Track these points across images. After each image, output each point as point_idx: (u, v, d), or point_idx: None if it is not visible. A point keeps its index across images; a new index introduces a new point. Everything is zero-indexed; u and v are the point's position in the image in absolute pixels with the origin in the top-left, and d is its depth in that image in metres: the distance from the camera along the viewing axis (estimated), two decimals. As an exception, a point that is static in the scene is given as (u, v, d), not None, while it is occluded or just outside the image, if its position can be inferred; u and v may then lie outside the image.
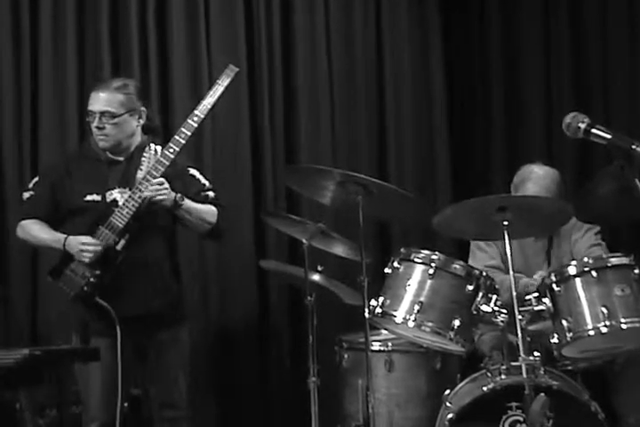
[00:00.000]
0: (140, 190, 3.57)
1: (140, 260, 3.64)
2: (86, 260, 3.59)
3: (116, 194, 3.68)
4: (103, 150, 3.74)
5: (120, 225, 3.58)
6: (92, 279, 3.58)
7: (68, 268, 3.63)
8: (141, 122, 3.77)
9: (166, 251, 3.80)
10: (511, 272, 3.54)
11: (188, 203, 3.65)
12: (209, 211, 3.75)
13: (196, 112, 3.66)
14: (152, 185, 3.56)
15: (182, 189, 3.71)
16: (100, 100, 3.68)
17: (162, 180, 3.58)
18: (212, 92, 3.68)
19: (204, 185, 3.82)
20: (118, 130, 3.70)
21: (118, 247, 3.58)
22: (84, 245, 3.59)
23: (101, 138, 3.70)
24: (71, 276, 3.62)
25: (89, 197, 3.69)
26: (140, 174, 3.59)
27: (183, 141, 3.63)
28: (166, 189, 3.58)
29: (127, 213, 3.57)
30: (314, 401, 3.94)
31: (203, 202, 3.75)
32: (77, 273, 3.61)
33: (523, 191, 4.15)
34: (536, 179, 4.16)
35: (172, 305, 3.79)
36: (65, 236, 3.66)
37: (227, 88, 3.71)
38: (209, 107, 3.67)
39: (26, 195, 3.82)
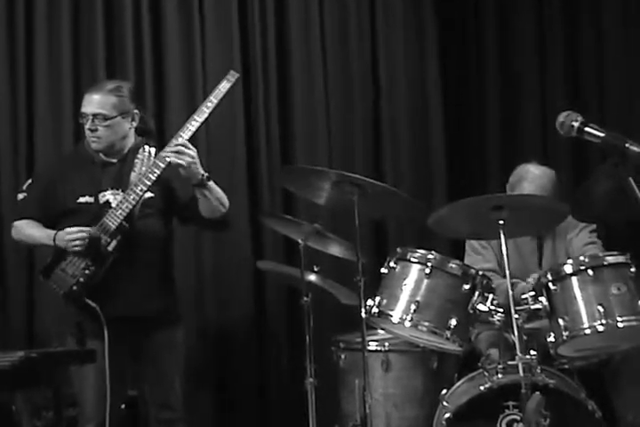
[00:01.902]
0: (135, 192, 3.57)
1: (134, 261, 3.63)
2: (77, 248, 3.58)
3: (108, 195, 3.68)
4: (96, 152, 3.74)
5: (112, 226, 3.57)
6: (81, 279, 3.58)
7: (58, 267, 3.63)
8: (134, 124, 3.77)
9: (160, 252, 3.79)
10: (507, 271, 3.53)
11: (212, 184, 3.65)
12: (224, 194, 3.75)
13: (194, 116, 3.65)
14: (175, 148, 3.54)
15: (182, 187, 3.71)
16: (93, 103, 3.68)
17: (187, 144, 3.56)
18: (212, 97, 3.67)
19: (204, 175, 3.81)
20: (111, 132, 3.69)
21: (109, 248, 3.58)
22: (70, 235, 3.59)
23: (94, 140, 3.70)
24: (61, 275, 3.62)
25: (82, 199, 3.69)
26: (133, 176, 3.59)
27: None
28: (190, 155, 3.54)
29: (120, 214, 3.57)
30: (311, 401, 3.95)
31: None
32: (67, 273, 3.61)
33: (519, 191, 4.16)
34: (532, 178, 4.16)
35: (167, 306, 3.78)
36: (55, 231, 3.66)
37: (227, 93, 3.71)
38: (208, 112, 3.66)
39: (20, 196, 3.83)
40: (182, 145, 3.56)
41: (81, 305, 3.56)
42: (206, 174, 3.62)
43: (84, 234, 3.57)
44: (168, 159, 3.56)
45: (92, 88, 3.75)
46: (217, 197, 3.70)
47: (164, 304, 3.77)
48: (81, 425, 3.72)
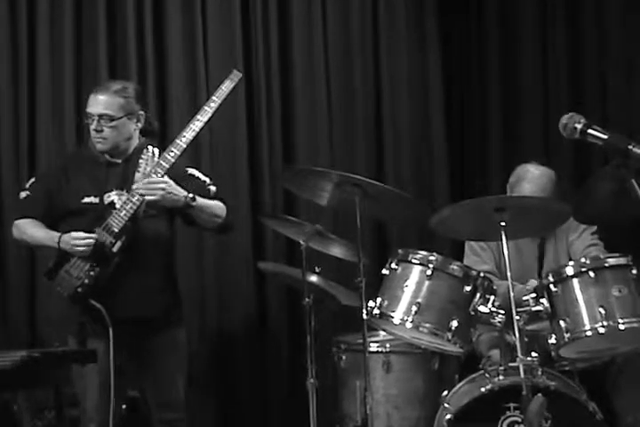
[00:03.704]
0: (139, 193, 3.57)
1: (138, 262, 3.63)
2: (83, 254, 3.58)
3: (113, 196, 3.67)
4: (101, 153, 3.74)
5: (117, 227, 3.57)
6: (86, 281, 3.58)
7: (62, 269, 3.63)
8: (140, 125, 3.77)
9: (164, 253, 3.80)
10: (508, 273, 3.53)
11: (199, 201, 3.65)
12: (218, 205, 3.75)
13: (198, 116, 3.65)
14: (145, 184, 3.55)
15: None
16: (99, 103, 3.67)
17: (157, 179, 3.56)
18: (215, 97, 3.68)
19: (205, 182, 3.81)
20: (116, 133, 3.69)
21: (114, 249, 3.58)
22: (76, 240, 3.59)
23: (99, 140, 3.69)
24: (66, 277, 3.62)
25: (86, 199, 3.68)
26: (137, 177, 3.59)
27: (184, 145, 3.62)
28: (161, 188, 3.56)
29: (124, 215, 3.57)
30: (312, 402, 3.93)
31: (206, 196, 3.74)
32: (72, 274, 3.61)
33: (518, 191, 4.16)
34: (531, 178, 4.16)
35: (169, 307, 3.78)
36: (59, 234, 3.66)
37: (230, 93, 3.71)
38: (212, 111, 3.66)
39: (22, 194, 3.82)
40: (150, 182, 3.55)
41: (84, 306, 3.56)
42: (190, 195, 3.61)
43: (91, 240, 3.57)
44: (141, 198, 3.55)
45: (98, 88, 3.75)
46: (208, 212, 3.70)
47: (167, 305, 3.77)
48: (83, 425, 3.72)
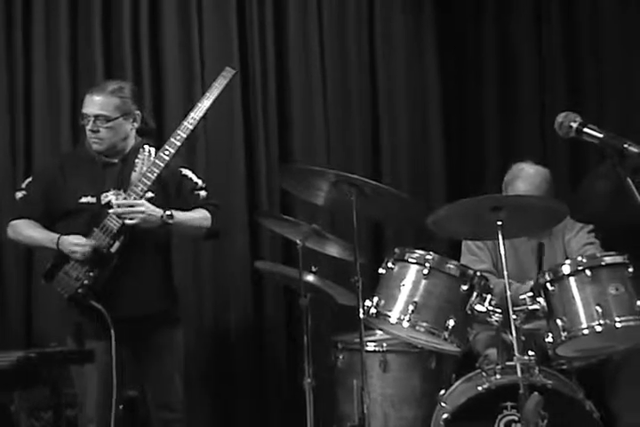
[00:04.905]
0: (136, 193, 3.57)
1: (136, 262, 3.64)
2: (80, 258, 3.58)
3: (110, 196, 3.68)
4: (97, 153, 3.74)
5: (114, 227, 3.58)
6: (85, 282, 3.58)
7: (61, 270, 3.63)
8: (136, 125, 3.77)
9: (160, 253, 3.80)
10: (505, 272, 3.53)
11: (177, 218, 3.65)
12: (201, 217, 3.75)
13: (192, 114, 3.66)
14: (122, 207, 3.56)
15: (175, 190, 3.72)
16: (95, 104, 3.68)
17: (135, 202, 3.56)
18: (208, 94, 3.68)
19: (197, 184, 3.82)
20: (112, 133, 3.69)
21: (112, 250, 3.58)
22: (75, 246, 3.59)
23: (95, 141, 3.69)
24: (65, 278, 3.62)
25: (84, 199, 3.69)
26: (133, 176, 3.59)
27: (179, 144, 3.63)
28: (141, 211, 3.56)
29: (122, 215, 3.58)
30: (309, 402, 3.94)
31: (194, 202, 3.75)
32: (71, 276, 3.61)
33: (513, 190, 4.16)
34: (526, 177, 4.17)
35: (167, 307, 3.79)
36: (58, 235, 3.65)
37: (223, 90, 3.72)
38: (205, 109, 3.67)
39: (18, 195, 3.81)
40: (128, 206, 3.56)
41: (85, 307, 3.56)
42: (167, 213, 3.61)
43: (88, 249, 3.57)
44: (121, 221, 3.57)
45: (94, 89, 3.75)
46: (188, 225, 3.72)
47: (165, 304, 3.78)
48: (82, 425, 3.72)
